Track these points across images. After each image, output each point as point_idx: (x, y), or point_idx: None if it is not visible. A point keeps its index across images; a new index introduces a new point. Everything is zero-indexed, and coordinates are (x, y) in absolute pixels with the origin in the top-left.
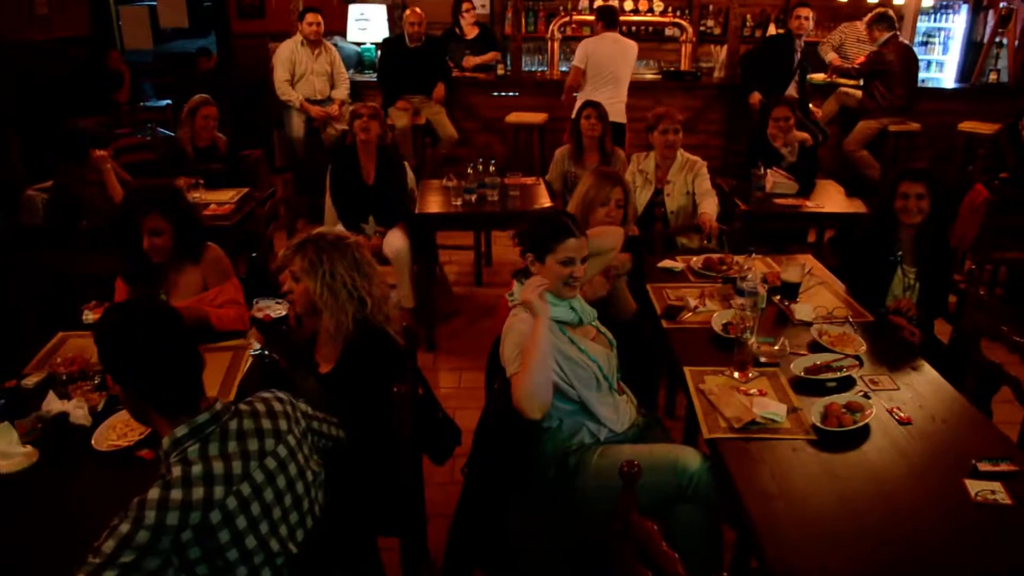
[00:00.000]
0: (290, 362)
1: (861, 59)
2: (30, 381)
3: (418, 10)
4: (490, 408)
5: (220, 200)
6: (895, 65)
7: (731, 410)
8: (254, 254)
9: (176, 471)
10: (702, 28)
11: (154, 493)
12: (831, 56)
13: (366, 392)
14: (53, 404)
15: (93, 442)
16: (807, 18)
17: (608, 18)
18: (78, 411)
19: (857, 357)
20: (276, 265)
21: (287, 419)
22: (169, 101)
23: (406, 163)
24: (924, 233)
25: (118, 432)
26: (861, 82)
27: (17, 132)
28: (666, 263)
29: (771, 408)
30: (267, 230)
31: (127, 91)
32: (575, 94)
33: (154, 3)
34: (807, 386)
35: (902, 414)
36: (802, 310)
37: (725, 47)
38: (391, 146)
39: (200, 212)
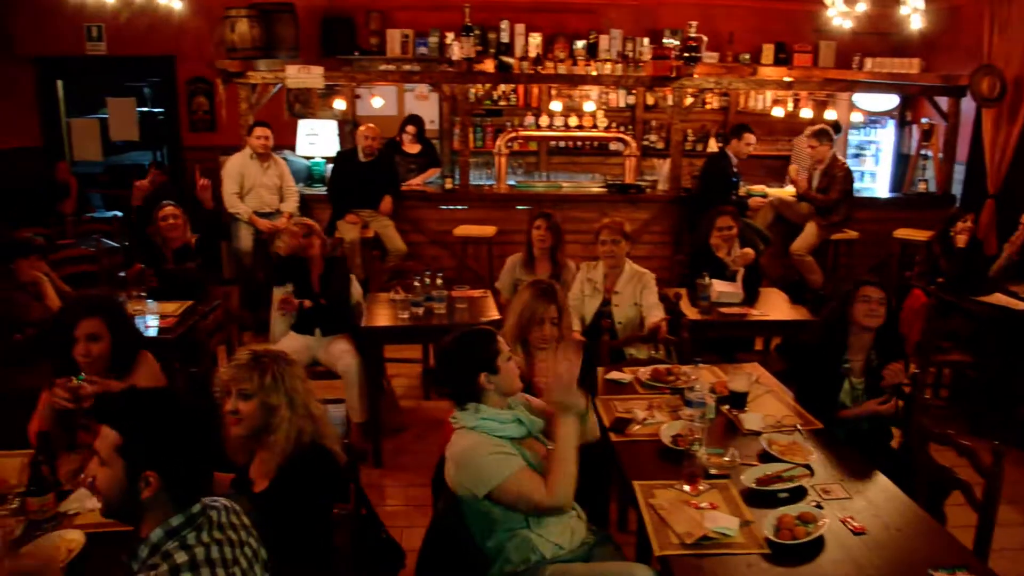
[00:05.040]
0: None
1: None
2: None
3: (372, 125)
4: (435, 528)
5: (163, 312)
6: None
7: (682, 525)
8: (193, 369)
9: (180, 557)
10: (645, 143)
11: None
12: (798, 179)
13: (302, 511)
14: None
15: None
16: (749, 144)
17: None
18: None
19: (808, 466)
20: (219, 384)
21: (245, 516)
22: (117, 213)
23: (353, 276)
24: (883, 335)
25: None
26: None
27: None
28: (614, 375)
29: (723, 522)
30: (210, 343)
31: (74, 202)
32: None
33: (105, 116)
34: (759, 497)
35: (856, 523)
36: (751, 419)
37: (668, 161)
38: (340, 258)
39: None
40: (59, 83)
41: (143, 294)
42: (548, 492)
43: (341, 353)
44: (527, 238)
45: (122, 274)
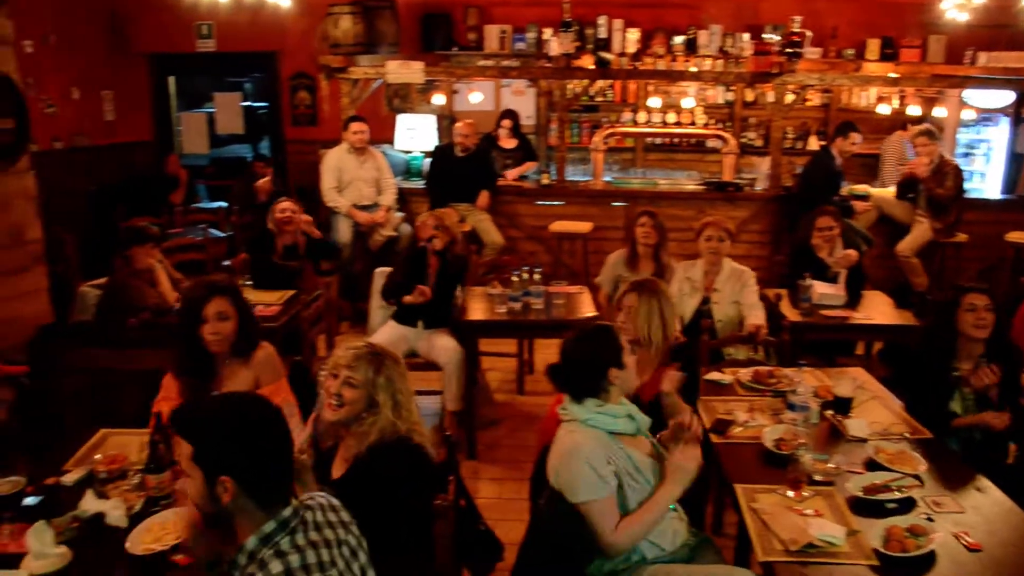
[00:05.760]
0: None
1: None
2: (69, 479)
3: (469, 121)
4: (536, 522)
5: (266, 301)
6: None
7: (786, 531)
8: (298, 357)
9: (275, 566)
10: (743, 140)
11: None
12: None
13: (377, 501)
14: (90, 504)
15: (128, 545)
16: (855, 143)
17: None
18: (115, 512)
19: (917, 476)
20: (328, 369)
21: (345, 511)
22: (222, 204)
23: None
24: (994, 342)
25: (154, 535)
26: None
27: (71, 229)
28: (714, 375)
29: (829, 530)
30: (311, 333)
31: (183, 193)
32: None
33: (212, 111)
34: (865, 507)
35: (970, 539)
36: (856, 426)
37: (768, 158)
38: (462, 256)
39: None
40: (171, 79)
41: (248, 283)
42: (618, 531)
43: (444, 345)
44: (630, 235)
45: (227, 263)
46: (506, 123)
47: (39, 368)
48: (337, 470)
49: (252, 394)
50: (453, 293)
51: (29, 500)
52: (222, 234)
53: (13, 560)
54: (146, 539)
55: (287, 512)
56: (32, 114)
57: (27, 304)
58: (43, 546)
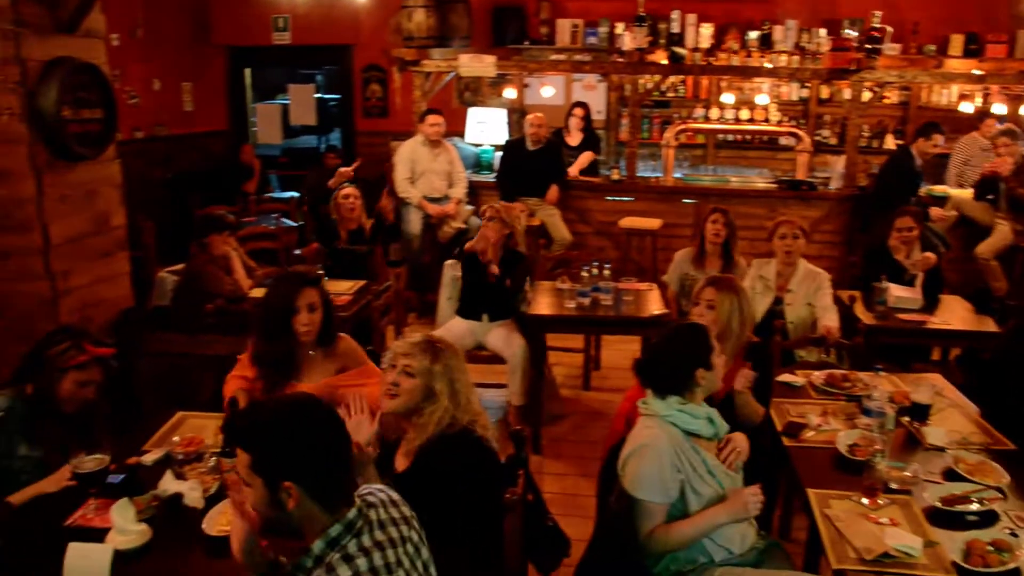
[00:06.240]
0: None
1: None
2: (149, 459)
3: (540, 114)
4: (605, 519)
5: (337, 291)
6: None
7: (861, 539)
8: (369, 347)
9: (344, 571)
10: (817, 138)
11: None
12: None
13: (438, 494)
14: (169, 484)
15: (204, 526)
16: (937, 145)
17: None
18: (192, 493)
19: (1000, 489)
20: (388, 356)
21: (405, 506)
22: (294, 193)
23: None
24: None
25: (228, 518)
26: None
27: (149, 217)
28: (786, 377)
29: (906, 540)
30: (380, 323)
31: (256, 182)
32: None
33: (287, 102)
34: (944, 518)
35: None
36: (934, 434)
37: (843, 157)
38: (521, 254)
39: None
40: (247, 71)
41: (320, 273)
42: (654, 534)
43: (509, 339)
44: (699, 232)
45: (298, 252)
46: (578, 111)
47: (123, 351)
48: (400, 463)
49: (304, 395)
50: (517, 285)
51: (113, 478)
52: (294, 223)
53: (98, 534)
54: (221, 521)
55: (352, 514)
56: (117, 105)
57: (111, 288)
58: (126, 522)
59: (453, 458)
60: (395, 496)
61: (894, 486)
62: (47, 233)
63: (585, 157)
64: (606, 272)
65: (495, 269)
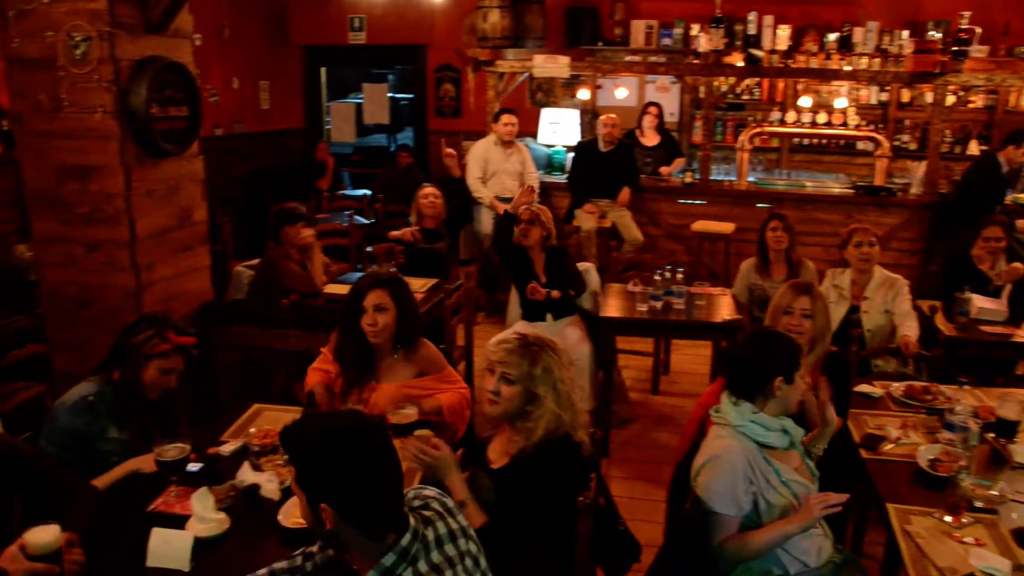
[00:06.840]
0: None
1: None
2: (227, 449)
3: (613, 115)
4: (678, 529)
5: (411, 289)
6: None
7: (944, 559)
8: (442, 345)
9: None
10: (896, 143)
11: None
12: None
13: (535, 497)
14: (247, 475)
15: (280, 517)
16: None
17: None
18: (269, 484)
19: None
20: (485, 365)
21: (461, 516)
22: (366, 191)
23: (591, 264)
24: None
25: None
26: None
27: (227, 212)
28: (864, 388)
29: (992, 562)
30: (452, 322)
31: (329, 180)
32: None
33: (360, 100)
34: None
35: None
36: (1022, 452)
37: (924, 163)
38: (561, 247)
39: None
40: (322, 70)
41: (392, 270)
42: (726, 544)
43: (575, 340)
44: (759, 239)
45: (370, 249)
46: (653, 109)
47: (203, 342)
48: (497, 459)
49: (358, 416)
50: (570, 282)
51: (192, 467)
52: (366, 221)
53: (178, 521)
54: (296, 513)
55: (406, 540)
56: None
57: (193, 281)
58: (205, 511)
59: (553, 464)
60: (449, 504)
61: (979, 505)
62: (134, 227)
63: (677, 163)
64: (679, 276)
65: (541, 293)
